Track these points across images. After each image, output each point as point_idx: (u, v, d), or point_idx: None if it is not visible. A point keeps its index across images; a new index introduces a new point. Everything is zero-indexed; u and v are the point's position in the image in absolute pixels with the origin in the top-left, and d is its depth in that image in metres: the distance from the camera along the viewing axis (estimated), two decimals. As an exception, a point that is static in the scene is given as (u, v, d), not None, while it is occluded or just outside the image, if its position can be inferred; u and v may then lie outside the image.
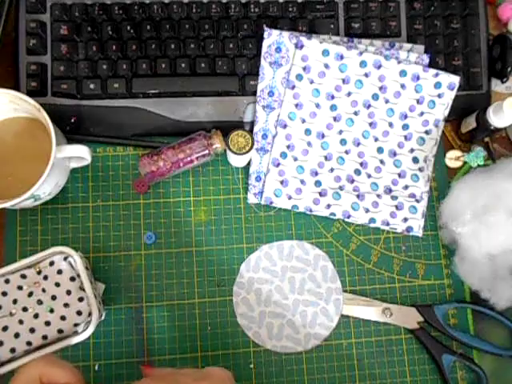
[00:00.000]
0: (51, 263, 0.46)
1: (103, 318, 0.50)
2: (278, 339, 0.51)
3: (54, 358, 0.37)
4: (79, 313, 0.45)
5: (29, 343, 0.44)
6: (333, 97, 0.54)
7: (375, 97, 0.54)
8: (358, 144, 0.54)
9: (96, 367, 0.50)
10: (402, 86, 0.54)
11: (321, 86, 0.53)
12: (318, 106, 0.54)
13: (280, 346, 0.51)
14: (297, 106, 0.53)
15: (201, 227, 0.54)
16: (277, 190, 0.53)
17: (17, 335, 0.44)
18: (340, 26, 0.55)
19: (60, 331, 0.45)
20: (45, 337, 0.45)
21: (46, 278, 0.46)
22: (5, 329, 0.44)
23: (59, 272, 0.46)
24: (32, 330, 0.44)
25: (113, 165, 0.54)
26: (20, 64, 0.52)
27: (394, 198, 0.54)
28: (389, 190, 0.54)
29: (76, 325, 0.45)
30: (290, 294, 0.52)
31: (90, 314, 0.45)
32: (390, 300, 0.53)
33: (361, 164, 0.54)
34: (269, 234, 0.54)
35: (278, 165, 0.53)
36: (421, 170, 0.54)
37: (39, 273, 0.46)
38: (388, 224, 0.54)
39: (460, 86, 0.54)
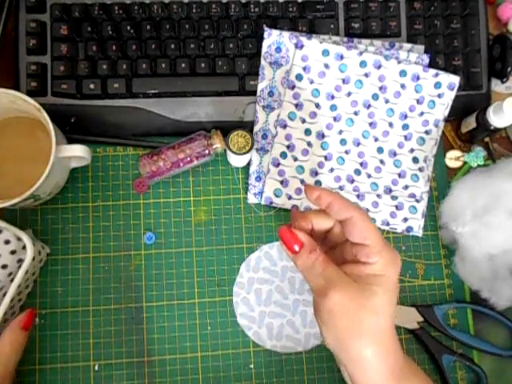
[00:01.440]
0: None
1: (49, 251, 0.51)
2: (278, 339, 0.51)
3: None
4: (7, 242, 0.46)
5: None
6: (333, 97, 0.54)
7: (375, 97, 0.54)
8: (358, 144, 0.54)
9: (96, 367, 0.50)
10: (402, 86, 0.54)
11: (321, 85, 0.53)
12: (318, 106, 0.54)
13: (280, 345, 0.51)
14: (297, 106, 0.53)
15: (201, 227, 0.54)
16: (277, 190, 0.53)
17: None
18: (340, 26, 0.55)
19: (4, 266, 0.45)
20: None
21: None
22: None
23: None
24: None
25: (113, 165, 0.54)
26: (20, 64, 0.52)
27: (394, 198, 0.54)
28: (389, 190, 0.54)
29: (13, 252, 0.46)
30: (290, 294, 0.52)
31: (19, 239, 0.46)
32: (390, 300, 0.53)
33: (361, 164, 0.54)
34: (269, 234, 0.54)
35: (278, 165, 0.53)
36: (421, 170, 0.54)
37: None
38: (388, 224, 0.54)
39: (460, 86, 0.54)
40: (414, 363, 0.41)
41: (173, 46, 0.53)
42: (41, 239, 0.51)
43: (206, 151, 0.51)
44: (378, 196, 0.54)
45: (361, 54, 0.53)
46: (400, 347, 0.39)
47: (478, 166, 0.56)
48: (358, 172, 0.54)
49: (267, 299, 0.52)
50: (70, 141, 0.51)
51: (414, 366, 0.40)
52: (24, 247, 0.46)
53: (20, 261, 0.46)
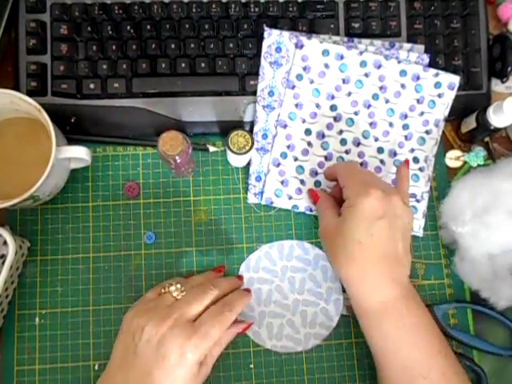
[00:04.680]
0: None
1: (29, 245, 0.51)
2: (278, 339, 0.51)
3: None
4: None
5: None
6: (333, 97, 0.54)
7: (375, 97, 0.54)
8: (358, 144, 0.54)
9: (96, 367, 0.50)
10: (402, 86, 0.54)
11: (321, 85, 0.53)
12: (318, 106, 0.54)
13: (280, 345, 0.51)
14: (297, 105, 0.53)
15: (201, 227, 0.54)
16: (277, 190, 0.53)
17: None
18: (340, 25, 0.55)
19: None
20: None
21: None
22: None
23: None
24: None
25: (113, 165, 0.54)
26: (20, 64, 0.52)
27: (394, 197, 0.54)
28: (389, 190, 0.54)
29: None
30: (290, 293, 0.52)
31: (0, 235, 0.47)
32: (389, 300, 0.53)
33: (361, 164, 0.54)
34: (269, 234, 0.54)
35: (278, 165, 0.53)
36: (421, 169, 0.54)
37: None
38: (388, 224, 0.53)
39: (460, 86, 0.54)
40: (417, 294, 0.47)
41: (173, 46, 0.53)
42: (41, 239, 0.52)
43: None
44: (378, 196, 0.53)
45: (361, 53, 0.53)
46: (401, 274, 0.46)
47: (478, 165, 0.56)
48: (358, 172, 0.54)
49: (267, 299, 0.52)
50: (70, 141, 0.51)
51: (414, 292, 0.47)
52: (4, 243, 0.47)
53: (2, 256, 0.47)
